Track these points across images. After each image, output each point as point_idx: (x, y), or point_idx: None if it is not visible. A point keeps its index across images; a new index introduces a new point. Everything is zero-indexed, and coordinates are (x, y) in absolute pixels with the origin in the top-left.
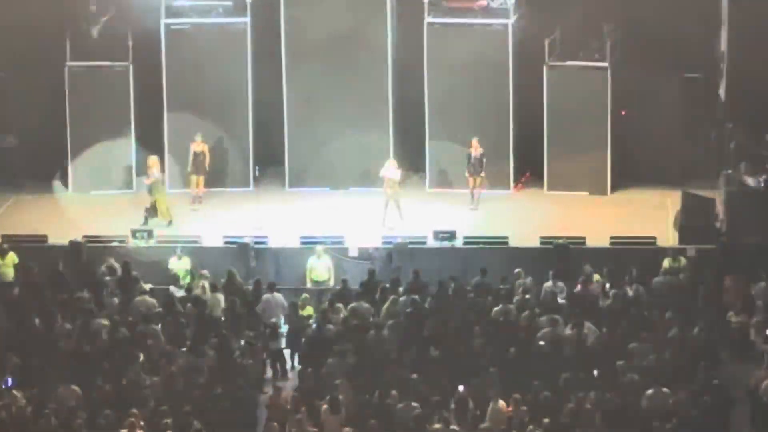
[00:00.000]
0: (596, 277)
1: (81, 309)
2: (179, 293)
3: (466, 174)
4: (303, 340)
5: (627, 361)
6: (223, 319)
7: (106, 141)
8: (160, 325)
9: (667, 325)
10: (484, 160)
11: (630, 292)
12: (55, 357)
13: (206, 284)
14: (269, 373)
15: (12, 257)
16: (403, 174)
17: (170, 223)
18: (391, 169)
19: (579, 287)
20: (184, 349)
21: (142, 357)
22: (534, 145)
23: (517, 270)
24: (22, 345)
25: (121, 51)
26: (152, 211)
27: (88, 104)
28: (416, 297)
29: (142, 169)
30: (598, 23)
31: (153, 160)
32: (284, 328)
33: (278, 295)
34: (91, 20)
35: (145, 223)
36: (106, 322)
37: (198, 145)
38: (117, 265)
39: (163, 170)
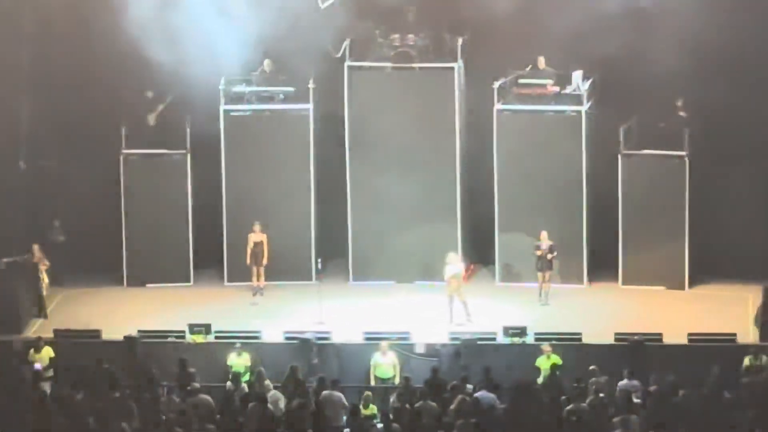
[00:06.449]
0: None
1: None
2: (238, 391)
3: (536, 269)
4: None
5: None
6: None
7: (163, 232)
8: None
9: (749, 427)
10: (555, 253)
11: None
12: None
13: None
14: None
15: (48, 351)
16: (467, 263)
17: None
18: (452, 265)
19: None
20: None
21: None
22: (608, 237)
23: (591, 367)
24: None
25: (179, 138)
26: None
27: (144, 193)
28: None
29: (202, 262)
30: (676, 111)
31: (38, 248)
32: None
33: (337, 394)
34: (147, 107)
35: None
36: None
37: (257, 235)
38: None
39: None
